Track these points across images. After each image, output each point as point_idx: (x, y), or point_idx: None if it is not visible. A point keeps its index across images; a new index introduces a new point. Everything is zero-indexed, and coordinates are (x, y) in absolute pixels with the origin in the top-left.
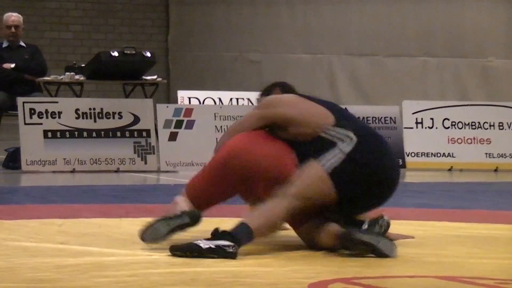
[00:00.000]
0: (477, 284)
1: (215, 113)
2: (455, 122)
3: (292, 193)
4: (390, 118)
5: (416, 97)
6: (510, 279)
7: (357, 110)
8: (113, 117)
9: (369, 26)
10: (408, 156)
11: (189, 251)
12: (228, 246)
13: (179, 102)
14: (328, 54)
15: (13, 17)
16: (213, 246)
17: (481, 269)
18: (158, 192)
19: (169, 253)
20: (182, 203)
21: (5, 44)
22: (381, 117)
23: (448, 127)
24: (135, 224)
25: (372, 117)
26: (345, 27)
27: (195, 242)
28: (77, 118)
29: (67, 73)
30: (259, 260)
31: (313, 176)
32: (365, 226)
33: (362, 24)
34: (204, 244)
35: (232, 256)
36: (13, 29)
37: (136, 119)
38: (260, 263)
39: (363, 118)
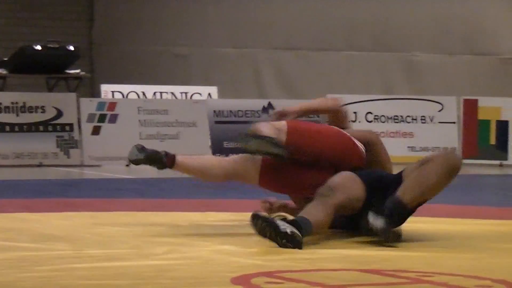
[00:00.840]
0: (400, 277)
1: (138, 107)
2: (378, 116)
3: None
4: None
5: (341, 91)
6: (431, 272)
7: (283, 104)
8: (36, 111)
9: (295, 20)
10: None
11: (268, 224)
12: (298, 235)
13: (102, 96)
14: (254, 48)
15: None
16: (289, 232)
17: (404, 262)
18: (82, 186)
19: (93, 249)
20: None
21: None
22: None
23: (371, 121)
24: (59, 219)
25: None
26: (271, 22)
27: (275, 220)
28: None
29: None
30: (182, 254)
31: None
32: None
33: (288, 18)
34: (282, 226)
35: (299, 246)
36: None
37: (59, 113)
38: (184, 257)
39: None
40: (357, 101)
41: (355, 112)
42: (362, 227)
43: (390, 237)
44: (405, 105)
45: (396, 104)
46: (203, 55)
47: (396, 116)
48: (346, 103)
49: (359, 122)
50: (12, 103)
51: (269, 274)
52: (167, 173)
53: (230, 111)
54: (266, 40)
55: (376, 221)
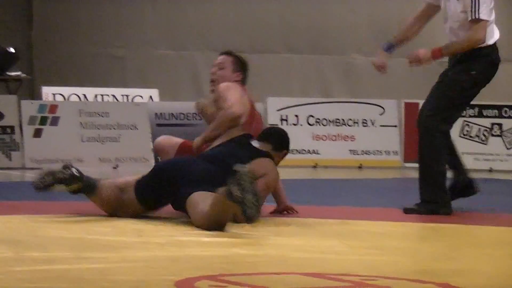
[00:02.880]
0: (343, 281)
1: (80, 110)
2: (319, 119)
3: None
4: None
5: (279, 94)
6: (375, 275)
7: None
8: None
9: (232, 22)
10: None
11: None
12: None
13: (43, 99)
14: (192, 50)
15: None
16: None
17: (347, 266)
18: (23, 189)
19: (34, 252)
20: None
21: None
22: None
23: (313, 124)
24: None
25: None
26: (209, 23)
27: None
28: None
29: None
30: (124, 255)
31: None
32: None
33: (225, 20)
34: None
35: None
36: None
37: (0, 116)
38: (125, 260)
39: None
40: (298, 104)
41: (296, 115)
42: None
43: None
44: (346, 108)
45: (337, 107)
46: (141, 57)
47: (338, 119)
48: (286, 106)
49: (301, 125)
50: None
51: (212, 277)
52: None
53: (172, 113)
54: (204, 42)
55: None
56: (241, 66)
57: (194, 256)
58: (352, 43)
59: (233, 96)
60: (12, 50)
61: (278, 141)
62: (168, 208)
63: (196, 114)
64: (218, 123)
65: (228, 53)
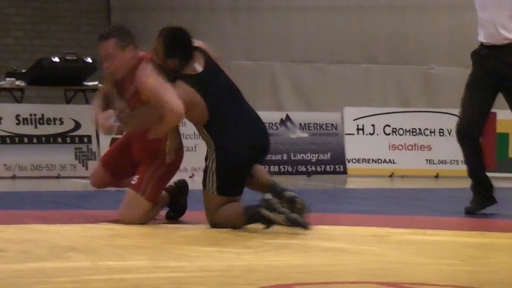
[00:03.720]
0: None
1: None
2: (396, 128)
3: None
4: (332, 124)
5: (358, 104)
6: (450, 285)
7: (299, 116)
8: (54, 123)
9: (312, 33)
10: (349, 162)
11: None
12: None
13: None
14: (271, 61)
15: None
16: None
17: (422, 275)
18: (100, 198)
19: (110, 261)
20: None
21: None
22: (323, 124)
23: (389, 134)
24: (76, 231)
25: (314, 124)
26: (288, 34)
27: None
28: (17, 124)
29: (7, 79)
30: (199, 264)
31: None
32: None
33: (305, 31)
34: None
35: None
36: None
37: (77, 125)
38: (201, 268)
39: (305, 124)
40: (375, 113)
41: (373, 125)
42: None
43: None
44: (422, 118)
45: (414, 116)
46: None
47: (414, 129)
48: (363, 116)
49: (377, 134)
50: (31, 115)
51: (287, 286)
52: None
53: None
54: (282, 53)
55: None
56: (126, 37)
57: (270, 265)
58: (431, 53)
59: (167, 95)
60: (89, 60)
61: None
62: None
63: (273, 123)
64: (156, 122)
65: (104, 36)
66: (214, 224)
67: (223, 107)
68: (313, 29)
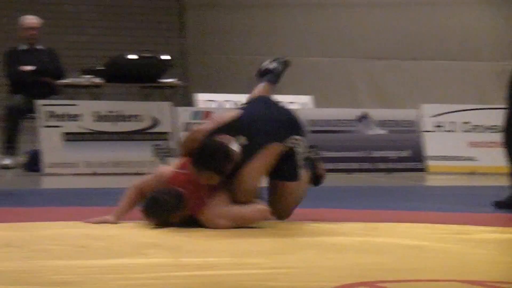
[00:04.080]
0: None
1: None
2: (476, 125)
3: None
4: (409, 121)
5: (434, 100)
6: None
7: (375, 113)
8: (133, 120)
9: (388, 29)
10: (429, 159)
11: None
12: None
13: (197, 105)
14: (347, 57)
15: (31, 19)
16: None
17: (507, 273)
18: None
19: (192, 257)
20: None
21: (22, 47)
22: (399, 121)
23: (469, 131)
24: (157, 227)
25: (390, 121)
26: (364, 30)
27: None
28: (96, 120)
29: (85, 76)
30: (281, 261)
31: None
32: None
33: (381, 27)
34: None
35: None
36: (31, 31)
37: (155, 122)
38: (282, 265)
39: (382, 121)
40: (452, 110)
41: (452, 122)
42: None
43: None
44: (501, 114)
45: (493, 113)
46: (294, 64)
47: (494, 125)
48: (441, 113)
49: (456, 132)
50: (109, 112)
51: (371, 284)
52: None
53: (326, 120)
54: (358, 50)
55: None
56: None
57: (353, 263)
58: (507, 50)
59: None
60: (166, 57)
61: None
62: (320, 214)
63: (350, 120)
64: None
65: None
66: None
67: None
68: (389, 25)
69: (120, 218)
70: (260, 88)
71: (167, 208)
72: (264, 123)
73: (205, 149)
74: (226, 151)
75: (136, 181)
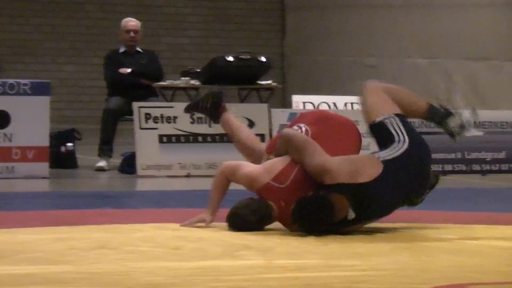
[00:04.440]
0: None
1: None
2: None
3: None
4: (507, 122)
5: None
6: None
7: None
8: None
9: (486, 30)
10: None
11: None
12: None
13: (293, 107)
14: (445, 58)
15: (132, 22)
16: None
17: None
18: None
19: (284, 259)
20: None
21: (122, 49)
22: (497, 122)
23: None
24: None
25: (489, 122)
26: (463, 31)
27: None
28: (192, 122)
29: (182, 78)
30: (372, 263)
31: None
32: None
33: (479, 27)
34: None
35: None
36: (132, 34)
37: (251, 124)
38: (373, 267)
39: (480, 122)
40: None
41: None
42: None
43: None
44: None
45: None
46: (393, 66)
47: None
48: None
49: None
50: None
51: (462, 286)
52: None
53: (421, 121)
54: (457, 50)
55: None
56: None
57: (444, 265)
58: None
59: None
60: (264, 59)
61: None
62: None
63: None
64: None
65: None
66: None
67: None
68: (488, 26)
69: (214, 213)
70: None
71: (253, 227)
72: (385, 206)
73: (313, 206)
74: (331, 215)
75: (222, 166)
